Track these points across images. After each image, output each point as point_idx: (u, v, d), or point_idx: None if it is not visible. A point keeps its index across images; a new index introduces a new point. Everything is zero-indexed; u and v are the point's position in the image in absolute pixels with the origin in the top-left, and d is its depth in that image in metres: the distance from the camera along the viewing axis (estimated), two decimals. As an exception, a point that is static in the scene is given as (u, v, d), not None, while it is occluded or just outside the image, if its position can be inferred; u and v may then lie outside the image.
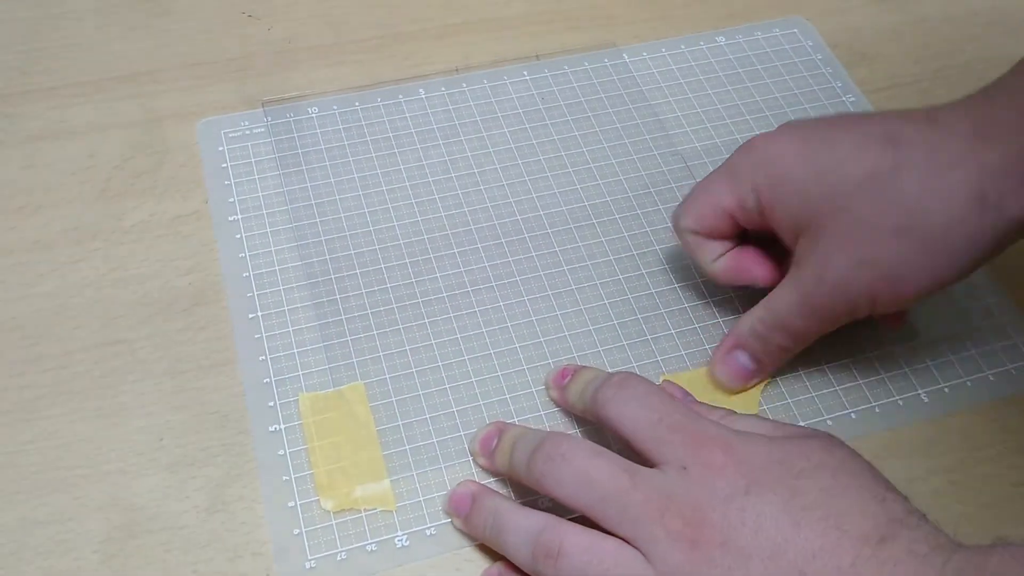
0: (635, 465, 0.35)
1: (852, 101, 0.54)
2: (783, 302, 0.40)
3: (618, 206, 0.49)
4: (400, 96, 0.53)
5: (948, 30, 0.58)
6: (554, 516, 0.35)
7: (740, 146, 0.42)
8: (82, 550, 0.38)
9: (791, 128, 0.41)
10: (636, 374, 0.39)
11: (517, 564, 0.36)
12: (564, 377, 0.41)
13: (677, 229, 0.43)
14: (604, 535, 0.34)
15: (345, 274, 0.46)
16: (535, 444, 0.36)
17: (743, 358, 0.42)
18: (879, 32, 0.58)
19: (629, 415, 0.36)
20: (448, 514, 0.39)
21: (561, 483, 0.35)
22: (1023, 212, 0.36)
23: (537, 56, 0.56)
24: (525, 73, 0.55)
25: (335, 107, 0.52)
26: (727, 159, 0.42)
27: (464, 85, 0.54)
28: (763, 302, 0.41)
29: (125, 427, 0.41)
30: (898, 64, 0.56)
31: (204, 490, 0.39)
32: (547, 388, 0.42)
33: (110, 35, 0.56)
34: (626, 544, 0.33)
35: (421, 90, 0.53)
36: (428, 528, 0.39)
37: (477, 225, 0.48)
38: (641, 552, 0.33)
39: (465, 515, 0.38)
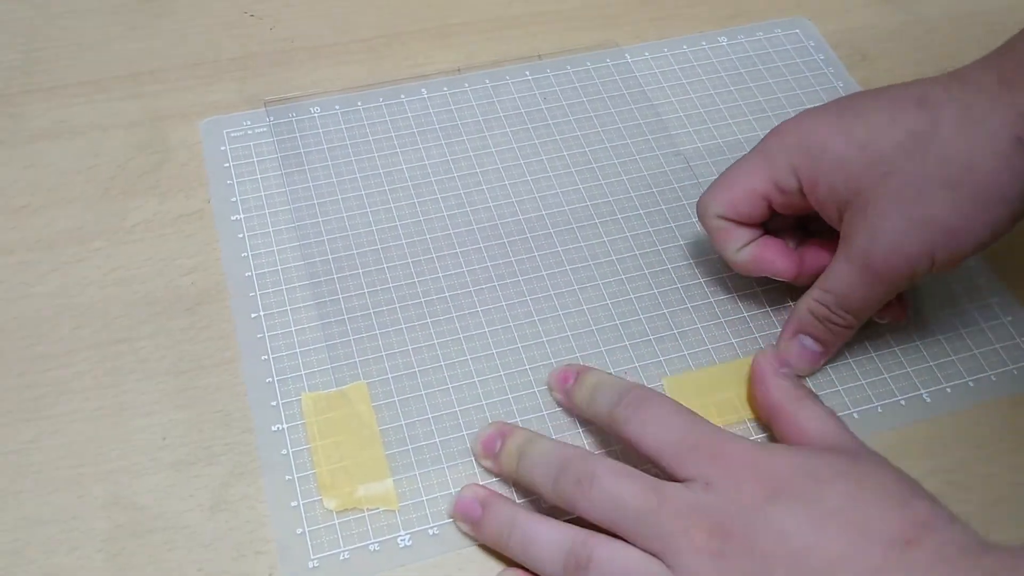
0: (661, 482, 0.35)
1: (841, 87, 0.54)
2: (839, 280, 0.41)
3: (620, 206, 0.49)
4: (402, 96, 0.53)
5: (950, 30, 0.58)
6: (579, 528, 0.36)
7: (770, 131, 0.42)
8: (85, 549, 0.38)
9: (819, 108, 0.42)
10: (650, 389, 0.39)
11: (542, 573, 0.36)
12: (567, 380, 0.41)
13: (704, 216, 0.43)
14: (631, 547, 0.34)
15: (347, 273, 0.46)
16: (559, 463, 0.37)
17: (808, 342, 0.42)
18: (881, 32, 0.58)
19: (650, 435, 0.37)
20: (454, 518, 0.39)
21: (592, 505, 0.35)
22: None
23: (539, 56, 0.56)
24: (527, 73, 0.55)
25: (337, 107, 0.52)
26: (758, 144, 0.42)
27: (466, 85, 0.54)
28: (817, 283, 0.42)
29: (128, 426, 0.41)
30: (900, 65, 0.56)
31: (207, 489, 0.39)
32: (550, 390, 0.42)
33: (112, 35, 0.56)
34: (653, 557, 0.34)
35: (423, 90, 0.53)
36: (431, 528, 0.39)
37: (479, 224, 0.48)
38: (667, 565, 0.34)
39: (476, 521, 0.38)
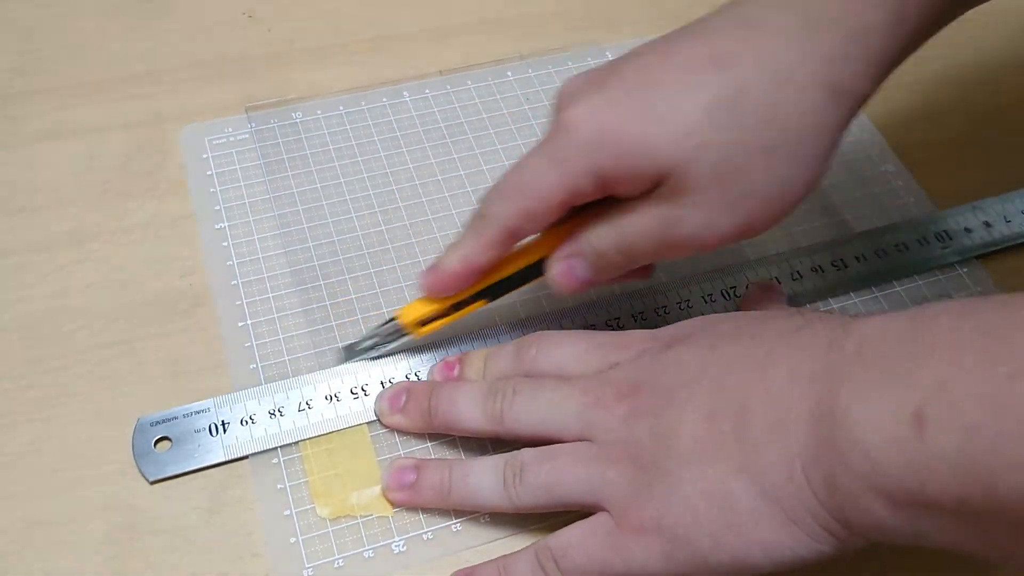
0: (573, 375, 0.38)
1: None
2: (639, 230, 0.36)
3: (605, 205, 0.49)
4: (384, 99, 0.53)
5: (947, 30, 0.58)
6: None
7: (553, 126, 0.36)
8: (83, 551, 0.37)
9: (601, 84, 0.35)
10: (545, 331, 0.41)
11: (485, 502, 0.37)
12: (451, 369, 0.41)
13: (489, 223, 0.37)
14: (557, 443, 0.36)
15: (334, 279, 0.46)
16: (483, 391, 0.38)
17: (580, 267, 0.38)
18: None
19: (559, 356, 0.38)
20: (387, 492, 0.39)
21: (517, 415, 0.37)
22: (870, 88, 0.35)
23: (520, 56, 0.56)
24: (509, 73, 0.55)
25: (319, 111, 0.52)
26: (542, 144, 0.36)
27: (448, 87, 0.54)
28: (613, 221, 0.37)
29: (126, 428, 0.40)
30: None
31: (205, 491, 0.39)
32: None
33: (111, 36, 0.55)
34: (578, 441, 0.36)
35: (405, 93, 0.53)
36: (425, 533, 0.39)
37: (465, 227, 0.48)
38: (587, 440, 0.36)
39: (412, 484, 0.38)
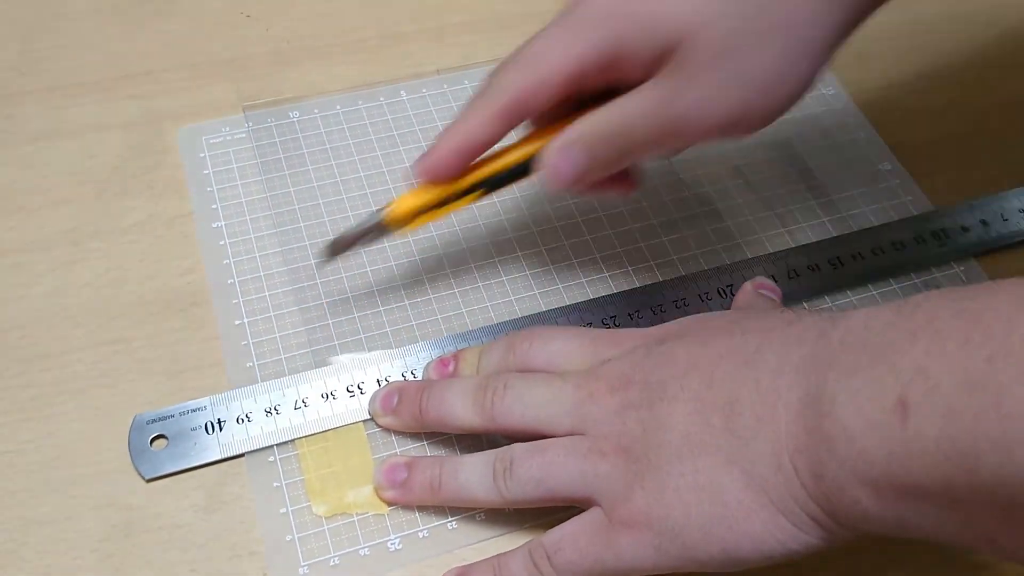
0: (566, 371, 0.38)
1: (831, 94, 0.55)
2: (637, 106, 0.36)
3: (601, 202, 0.49)
4: (381, 98, 0.53)
5: (946, 30, 0.58)
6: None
7: (569, 2, 0.37)
8: (80, 549, 0.38)
9: None
10: (538, 326, 0.42)
11: (475, 496, 0.37)
12: (446, 366, 0.42)
13: (498, 95, 0.38)
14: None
15: (330, 278, 0.46)
16: (474, 387, 0.38)
17: (575, 153, 0.38)
18: (876, 31, 0.58)
19: (551, 353, 0.39)
20: (379, 490, 0.39)
21: (508, 409, 0.37)
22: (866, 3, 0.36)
23: (517, 55, 0.55)
24: (506, 73, 0.55)
25: (316, 111, 0.52)
26: (557, 17, 0.38)
27: (445, 86, 0.54)
28: (613, 103, 0.37)
29: (123, 426, 0.40)
30: (894, 64, 0.56)
31: (202, 489, 0.39)
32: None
33: (109, 35, 0.56)
34: (569, 436, 0.36)
35: (403, 92, 0.53)
36: (421, 531, 0.39)
37: (462, 226, 0.48)
38: (583, 435, 0.35)
39: (403, 482, 0.38)
